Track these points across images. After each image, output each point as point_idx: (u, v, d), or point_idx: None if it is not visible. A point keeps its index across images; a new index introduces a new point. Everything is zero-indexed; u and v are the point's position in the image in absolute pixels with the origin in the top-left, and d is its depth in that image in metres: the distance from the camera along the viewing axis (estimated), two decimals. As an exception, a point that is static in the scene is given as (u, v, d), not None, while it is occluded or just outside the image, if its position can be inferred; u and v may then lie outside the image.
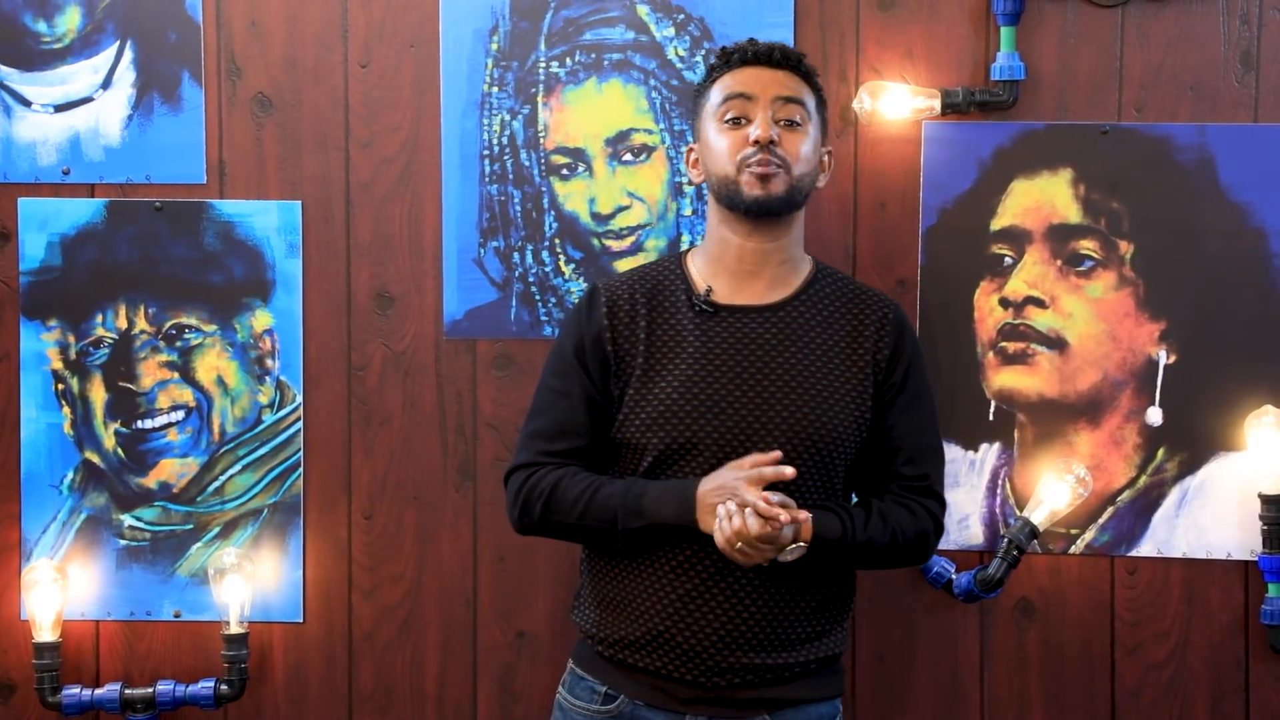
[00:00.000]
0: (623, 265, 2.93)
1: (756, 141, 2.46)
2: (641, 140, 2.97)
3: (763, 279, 2.54)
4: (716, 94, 2.53)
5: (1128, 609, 2.98)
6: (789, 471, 2.36)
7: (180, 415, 3.02)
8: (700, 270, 2.58)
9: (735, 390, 2.48)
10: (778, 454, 2.40)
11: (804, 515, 2.38)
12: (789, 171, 2.48)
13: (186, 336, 3.02)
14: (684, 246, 2.97)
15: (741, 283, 2.54)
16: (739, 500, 2.34)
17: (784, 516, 2.32)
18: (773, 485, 2.39)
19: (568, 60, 2.97)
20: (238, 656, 2.96)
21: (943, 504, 2.61)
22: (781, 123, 2.50)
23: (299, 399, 3.02)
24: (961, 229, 2.94)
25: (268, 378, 3.02)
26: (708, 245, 2.59)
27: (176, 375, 3.02)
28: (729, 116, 2.50)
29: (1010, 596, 2.98)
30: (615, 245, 2.97)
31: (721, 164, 2.50)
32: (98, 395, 3.02)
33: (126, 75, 3.00)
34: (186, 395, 3.02)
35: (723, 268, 2.55)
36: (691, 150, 2.61)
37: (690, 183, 2.70)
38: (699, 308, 2.53)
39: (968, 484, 2.96)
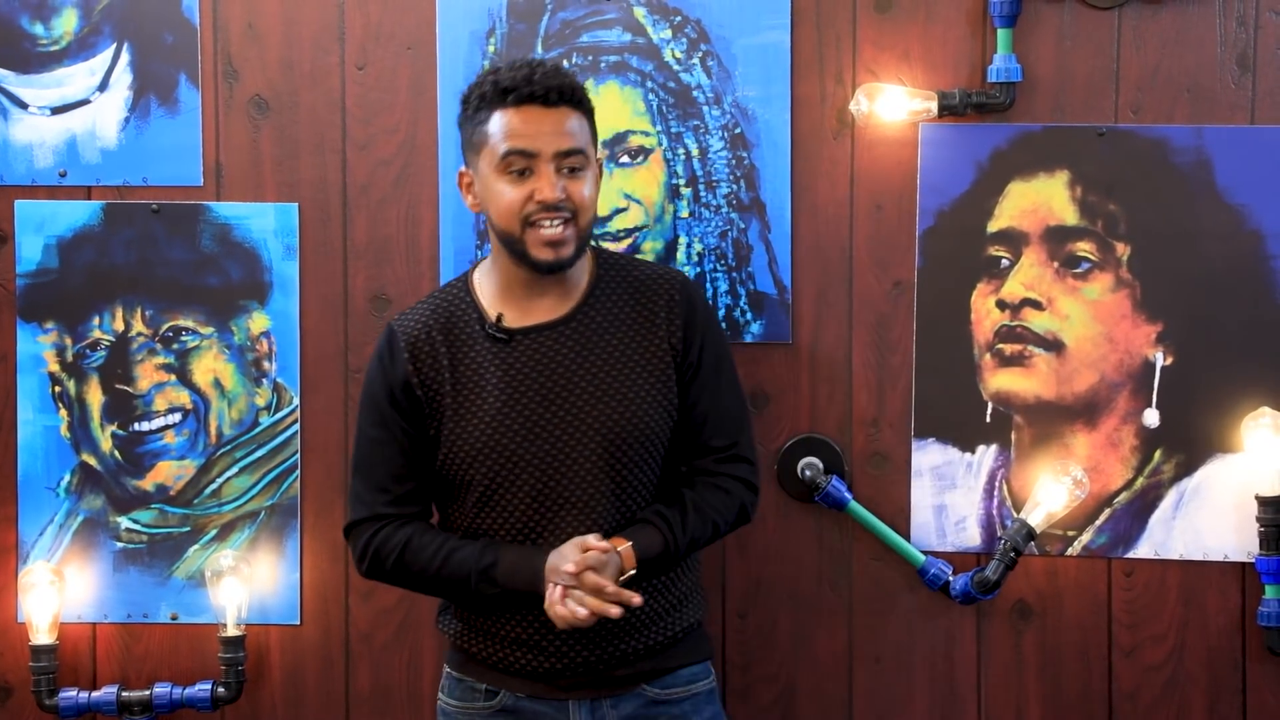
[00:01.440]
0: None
1: (543, 203, 2.47)
2: (638, 142, 2.97)
3: (549, 296, 2.58)
4: (495, 137, 2.49)
5: (1125, 611, 2.98)
6: (636, 600, 2.43)
7: (177, 417, 3.02)
8: (488, 296, 2.60)
9: (545, 411, 2.53)
10: (596, 545, 2.45)
11: (622, 546, 2.48)
12: (577, 221, 2.50)
13: (183, 339, 3.02)
14: (681, 249, 2.97)
15: (528, 304, 2.57)
16: (561, 584, 2.44)
17: (602, 557, 2.43)
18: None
19: (565, 62, 2.96)
20: (235, 659, 2.96)
21: (753, 464, 2.66)
22: (565, 171, 2.49)
23: (296, 401, 3.02)
24: (958, 231, 2.94)
25: (265, 380, 3.02)
26: (493, 270, 2.61)
27: (173, 377, 3.02)
28: (512, 170, 2.49)
29: (1007, 598, 2.98)
30: (612, 247, 2.97)
31: (505, 218, 2.50)
32: (94, 397, 3.02)
33: (123, 77, 3.00)
34: (183, 397, 3.02)
35: (508, 293, 2.58)
36: (465, 174, 2.59)
37: (468, 207, 2.67)
38: (493, 334, 2.56)
39: (965, 486, 2.96)
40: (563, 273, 2.55)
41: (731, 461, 2.64)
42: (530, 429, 2.52)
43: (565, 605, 2.42)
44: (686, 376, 2.60)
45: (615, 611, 2.41)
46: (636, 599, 2.43)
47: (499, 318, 2.57)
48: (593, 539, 2.46)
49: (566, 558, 2.44)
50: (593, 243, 2.96)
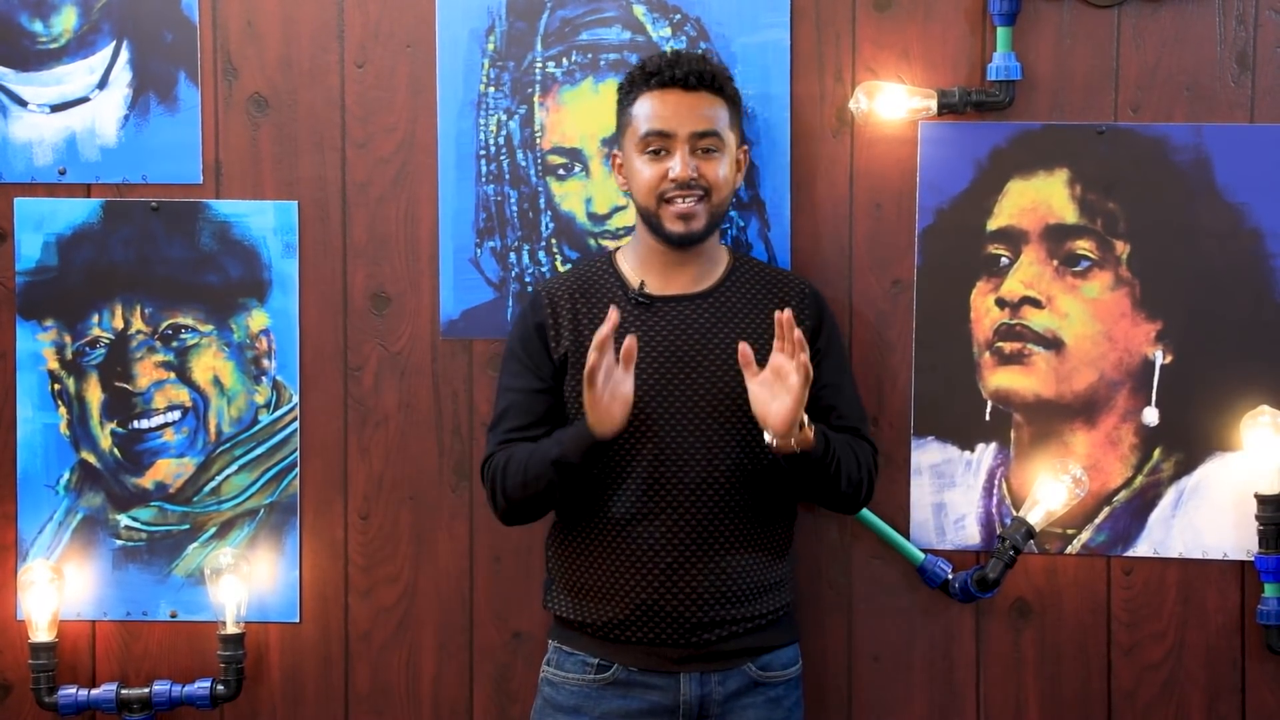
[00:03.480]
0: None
1: (676, 180, 2.63)
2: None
3: (688, 272, 2.72)
4: (638, 120, 2.67)
5: (1124, 609, 2.98)
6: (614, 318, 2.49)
7: (176, 415, 3.02)
8: (632, 267, 2.74)
9: (679, 374, 2.65)
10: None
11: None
12: (710, 199, 2.65)
13: (183, 336, 3.02)
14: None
15: (670, 276, 2.71)
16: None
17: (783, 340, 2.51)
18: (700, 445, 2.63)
19: (564, 60, 2.97)
20: (234, 657, 2.96)
21: (875, 450, 2.78)
22: (699, 152, 2.64)
23: (295, 399, 3.02)
24: (958, 229, 2.94)
25: (264, 378, 3.02)
26: (637, 246, 2.76)
27: (173, 375, 3.02)
28: (650, 149, 2.65)
29: (1006, 597, 2.98)
30: (612, 245, 2.97)
31: (644, 194, 2.66)
32: (94, 395, 3.02)
33: (123, 75, 3.00)
34: (183, 395, 3.02)
35: (651, 264, 2.73)
36: (617, 157, 2.75)
37: (619, 186, 2.82)
38: (636, 300, 2.69)
39: (964, 484, 2.96)
40: (696, 246, 2.69)
41: (861, 439, 2.74)
42: (662, 390, 2.63)
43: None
44: (816, 363, 2.64)
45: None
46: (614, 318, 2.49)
47: (642, 284, 2.71)
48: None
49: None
50: (591, 243, 2.98)
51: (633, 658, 2.66)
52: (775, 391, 2.49)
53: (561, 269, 2.99)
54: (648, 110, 2.66)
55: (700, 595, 2.63)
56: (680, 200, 2.63)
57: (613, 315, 2.49)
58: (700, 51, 2.85)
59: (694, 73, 2.66)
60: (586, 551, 2.69)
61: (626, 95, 2.70)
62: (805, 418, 2.50)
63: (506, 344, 2.78)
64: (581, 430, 2.55)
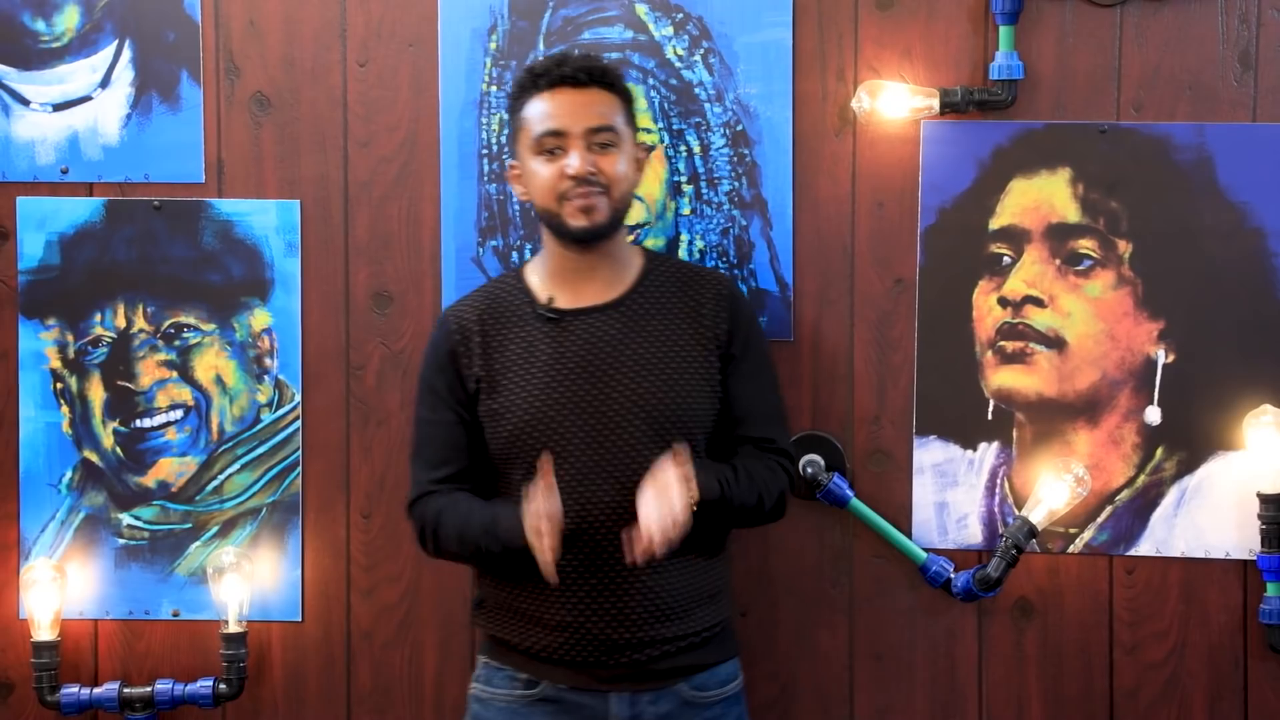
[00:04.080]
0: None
1: (574, 177, 2.57)
2: (640, 139, 2.96)
3: (599, 280, 2.67)
4: (531, 122, 2.62)
5: (1126, 608, 2.98)
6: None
7: (179, 414, 3.02)
8: (540, 281, 2.69)
9: (593, 389, 2.60)
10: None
11: (686, 475, 2.48)
12: (610, 194, 2.60)
13: (185, 335, 3.02)
14: (682, 246, 2.97)
15: (579, 287, 2.66)
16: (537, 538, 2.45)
17: (657, 538, 2.43)
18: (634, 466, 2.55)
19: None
20: (236, 656, 2.96)
21: (793, 459, 2.75)
22: (596, 148, 2.60)
23: (297, 398, 3.02)
24: (960, 228, 2.94)
25: (266, 377, 3.02)
26: (544, 257, 2.72)
27: (175, 374, 3.02)
28: (546, 150, 2.60)
29: (1008, 596, 2.98)
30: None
31: (543, 195, 2.61)
32: (96, 394, 3.02)
33: (125, 74, 3.00)
34: (185, 394, 3.02)
35: (559, 276, 2.68)
36: (514, 167, 2.69)
37: (518, 197, 2.82)
38: (544, 315, 2.64)
39: (966, 483, 2.96)
40: (601, 246, 2.63)
41: (774, 453, 2.69)
42: (576, 405, 2.59)
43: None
44: (728, 368, 2.67)
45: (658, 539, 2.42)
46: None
47: (550, 299, 2.66)
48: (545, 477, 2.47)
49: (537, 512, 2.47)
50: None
51: (561, 675, 2.61)
52: (659, 503, 2.43)
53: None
54: (540, 111, 2.61)
55: (628, 616, 2.58)
56: (580, 197, 2.58)
57: (544, 464, 2.46)
58: (590, 52, 2.79)
59: (583, 69, 2.62)
60: (512, 577, 2.62)
61: (516, 101, 2.65)
62: (691, 475, 2.47)
63: (420, 370, 2.74)
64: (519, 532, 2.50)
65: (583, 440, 2.58)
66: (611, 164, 2.60)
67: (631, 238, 2.98)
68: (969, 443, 2.97)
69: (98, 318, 3.01)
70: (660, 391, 2.60)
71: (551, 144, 2.60)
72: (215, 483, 3.02)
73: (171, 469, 3.03)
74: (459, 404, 2.66)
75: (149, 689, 2.97)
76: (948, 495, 2.97)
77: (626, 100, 2.67)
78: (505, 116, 2.97)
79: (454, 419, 2.66)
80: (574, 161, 2.57)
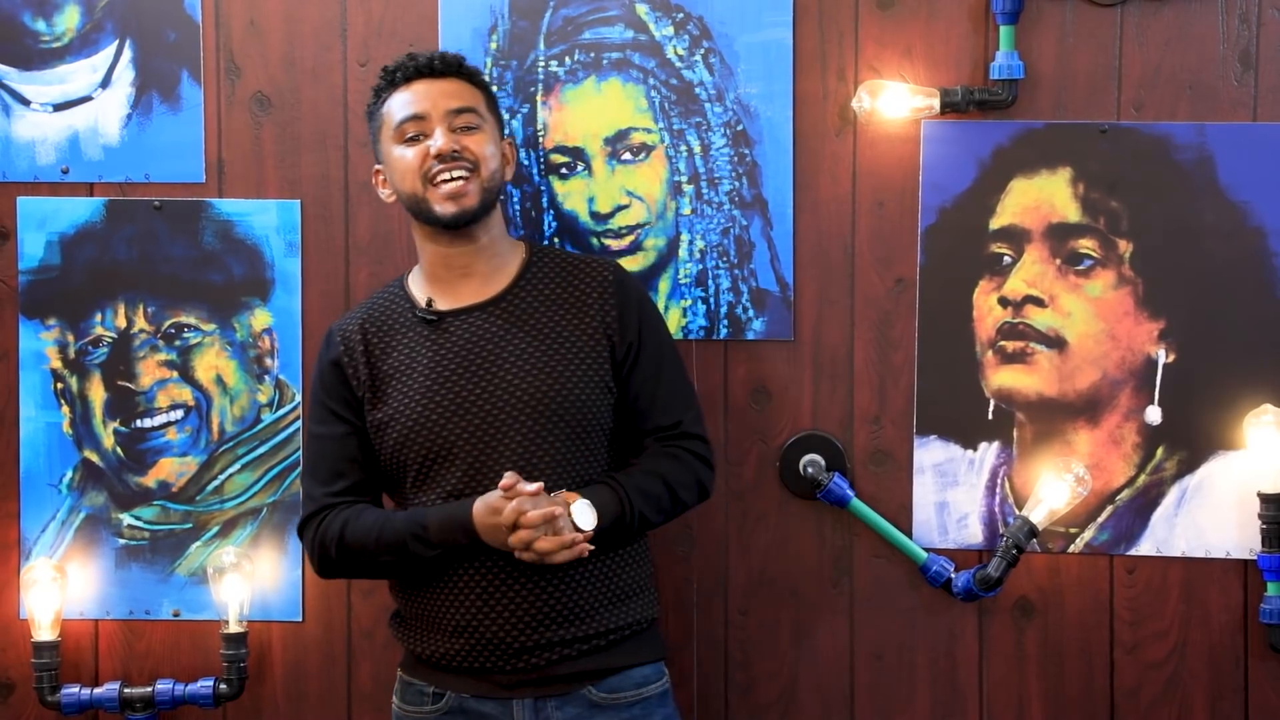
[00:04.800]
0: (622, 265, 2.91)
1: (439, 155, 2.55)
2: (640, 139, 2.97)
3: (476, 277, 2.64)
4: (391, 114, 2.61)
5: (1127, 608, 2.98)
6: (531, 488, 2.43)
7: (179, 414, 3.02)
8: (420, 286, 2.68)
9: (476, 388, 2.56)
10: (513, 482, 2.44)
11: (574, 500, 2.48)
12: (479, 172, 2.58)
13: (185, 335, 3.02)
14: (683, 246, 2.97)
15: (457, 287, 2.64)
16: (518, 540, 2.43)
17: (558, 510, 2.43)
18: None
19: (567, 59, 2.97)
20: (237, 655, 2.96)
21: (703, 440, 2.68)
22: (459, 130, 2.58)
23: (298, 398, 3.02)
24: (960, 228, 2.94)
25: (267, 377, 3.02)
26: (421, 261, 2.69)
27: (175, 374, 3.02)
28: (407, 136, 2.59)
29: (1009, 595, 2.98)
30: (614, 244, 2.97)
31: (408, 181, 2.58)
32: (97, 394, 3.02)
33: (125, 74, 3.00)
34: (185, 394, 3.02)
35: (436, 278, 2.65)
36: (379, 172, 2.69)
37: (385, 199, 2.75)
38: (423, 318, 2.61)
39: (966, 483, 2.96)
40: (475, 238, 2.60)
41: (680, 438, 2.65)
42: (460, 406, 2.55)
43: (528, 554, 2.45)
44: (623, 359, 2.63)
45: (559, 511, 2.42)
46: (531, 488, 2.43)
47: (429, 301, 2.63)
48: (510, 477, 2.43)
49: (493, 507, 2.45)
50: (594, 242, 2.98)
51: (464, 685, 2.57)
52: (544, 530, 2.43)
53: None
54: (399, 101, 2.61)
55: (522, 619, 2.53)
56: (446, 178, 2.55)
57: (506, 480, 2.43)
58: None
59: (437, 58, 2.62)
60: (411, 581, 2.61)
61: (375, 102, 2.66)
62: (583, 505, 2.47)
63: (310, 387, 2.73)
64: (470, 535, 2.48)
65: (469, 441, 2.55)
66: (478, 143, 2.58)
67: (631, 238, 2.98)
68: (969, 442, 2.97)
69: (98, 318, 3.01)
70: (545, 386, 2.56)
71: (413, 129, 2.58)
72: (216, 483, 3.02)
73: (172, 469, 3.03)
74: (349, 415, 2.63)
75: (149, 689, 2.97)
76: (948, 495, 2.97)
77: (488, 93, 2.67)
78: (505, 116, 2.96)
79: (345, 430, 2.63)
80: (437, 140, 2.55)
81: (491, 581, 2.54)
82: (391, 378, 2.61)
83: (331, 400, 2.65)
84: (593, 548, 2.48)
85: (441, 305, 2.63)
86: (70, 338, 3.02)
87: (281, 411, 3.02)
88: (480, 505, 2.48)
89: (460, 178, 2.56)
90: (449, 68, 2.62)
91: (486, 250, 2.65)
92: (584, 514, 2.48)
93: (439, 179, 2.56)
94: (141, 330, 3.01)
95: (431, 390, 2.57)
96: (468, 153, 2.57)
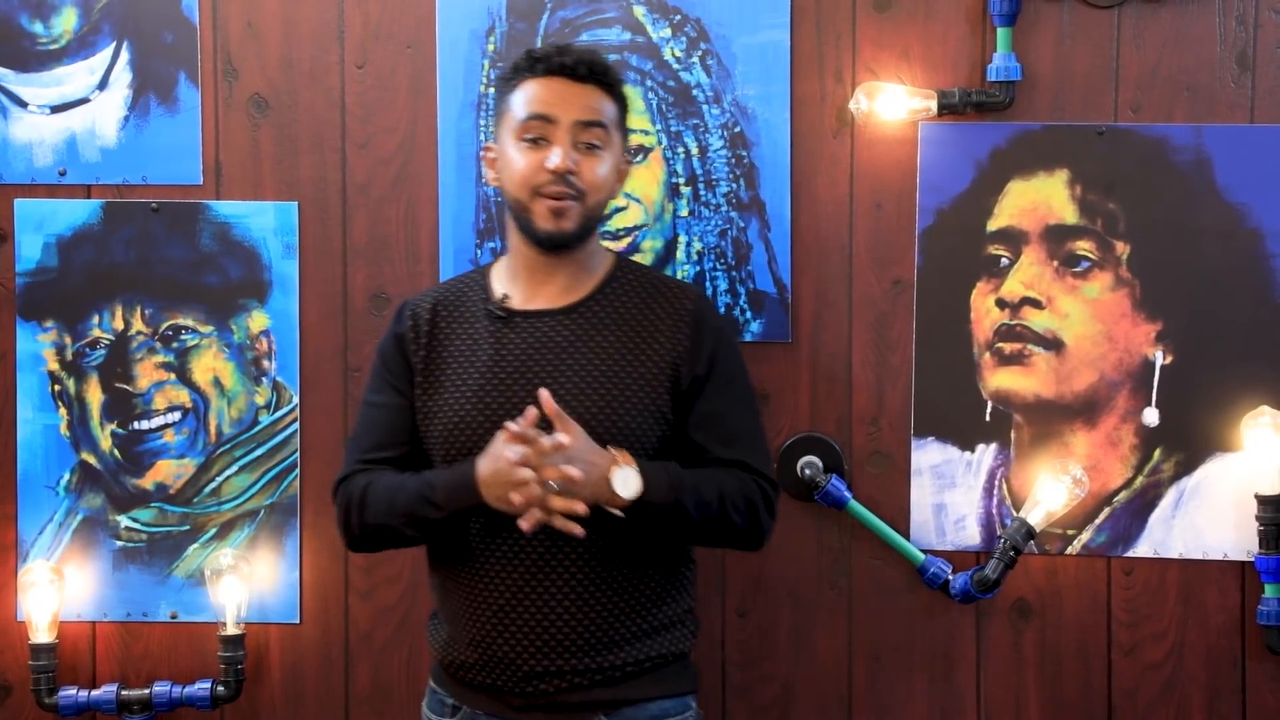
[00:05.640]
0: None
1: (554, 170, 2.43)
2: (638, 141, 2.97)
3: (557, 284, 2.54)
4: (518, 105, 2.48)
5: (1124, 609, 2.98)
6: (546, 401, 2.33)
7: (177, 416, 3.02)
8: (501, 278, 2.59)
9: (528, 396, 2.43)
10: (534, 415, 2.34)
11: (623, 456, 2.36)
12: (583, 201, 2.46)
13: (183, 337, 3.02)
14: (680, 248, 2.97)
15: (536, 288, 2.55)
16: (516, 463, 2.31)
17: (565, 440, 2.31)
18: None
19: (564, 61, 2.96)
20: (234, 658, 2.96)
21: (771, 483, 2.52)
22: (582, 146, 2.47)
23: (296, 400, 3.02)
24: (958, 230, 2.94)
25: (264, 379, 3.02)
26: (509, 255, 2.60)
27: (173, 376, 3.02)
28: (528, 135, 2.47)
29: (1007, 597, 2.98)
30: (612, 246, 2.97)
31: (517, 185, 2.47)
32: (94, 396, 3.02)
33: (123, 76, 3.00)
34: (183, 396, 3.02)
35: (519, 274, 2.56)
36: (490, 150, 2.58)
37: (486, 181, 2.66)
38: (494, 314, 2.53)
39: (964, 485, 2.96)
40: (565, 251, 2.50)
41: (745, 470, 2.51)
42: (509, 413, 2.43)
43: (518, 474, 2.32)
44: (688, 390, 2.51)
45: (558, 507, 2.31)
46: (576, 528, 2.31)
47: (504, 297, 2.55)
48: (513, 426, 2.33)
49: (495, 454, 2.35)
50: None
51: (478, 700, 2.50)
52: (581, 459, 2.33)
53: None
54: (529, 94, 2.47)
55: (532, 642, 2.44)
56: (554, 194, 2.44)
57: (530, 414, 2.33)
58: (591, 47, 2.61)
59: (584, 62, 2.48)
60: (441, 584, 2.56)
61: (507, 83, 2.51)
62: (630, 471, 2.35)
63: (374, 356, 2.65)
64: (473, 496, 2.38)
65: None
66: (593, 168, 2.47)
67: (629, 239, 2.98)
68: (967, 444, 2.97)
69: (95, 319, 3.01)
70: (596, 407, 2.45)
71: (536, 130, 2.46)
72: (213, 484, 3.02)
73: (169, 471, 3.03)
74: (403, 390, 2.56)
75: (147, 691, 2.97)
76: (946, 496, 2.97)
77: (622, 105, 2.56)
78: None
79: (396, 404, 2.56)
80: (555, 157, 2.44)
81: (511, 597, 2.46)
82: (448, 365, 2.53)
83: (389, 373, 2.58)
84: (580, 533, 2.34)
85: (515, 303, 2.54)
86: (68, 340, 3.02)
87: (279, 413, 3.02)
88: (483, 461, 2.38)
89: (567, 197, 2.45)
90: (592, 74, 2.48)
91: (574, 261, 2.54)
92: (625, 481, 2.36)
93: (547, 191, 2.45)
94: (139, 332, 3.01)
95: (484, 390, 2.48)
96: (580, 179, 2.45)
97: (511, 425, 2.35)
